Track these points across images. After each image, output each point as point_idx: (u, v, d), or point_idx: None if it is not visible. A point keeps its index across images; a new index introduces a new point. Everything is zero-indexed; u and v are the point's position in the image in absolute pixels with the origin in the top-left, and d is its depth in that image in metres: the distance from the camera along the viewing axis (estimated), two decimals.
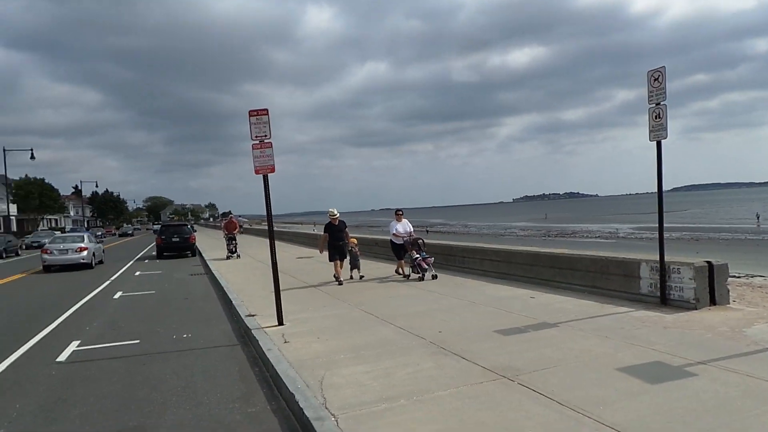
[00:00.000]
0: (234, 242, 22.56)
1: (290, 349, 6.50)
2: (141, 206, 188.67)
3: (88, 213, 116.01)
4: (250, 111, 7.47)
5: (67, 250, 21.87)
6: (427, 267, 11.81)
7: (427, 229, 60.57)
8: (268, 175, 7.62)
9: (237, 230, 23.59)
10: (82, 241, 22.85)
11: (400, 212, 12.90)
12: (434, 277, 11.79)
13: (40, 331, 9.18)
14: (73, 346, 7.96)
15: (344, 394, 4.82)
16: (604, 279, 8.80)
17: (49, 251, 21.95)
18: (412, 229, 12.81)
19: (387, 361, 5.82)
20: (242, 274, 15.92)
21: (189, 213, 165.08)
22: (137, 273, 19.24)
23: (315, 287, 12.06)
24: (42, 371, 6.68)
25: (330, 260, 12.63)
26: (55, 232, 56.18)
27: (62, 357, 7.35)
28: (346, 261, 12.82)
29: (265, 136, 7.50)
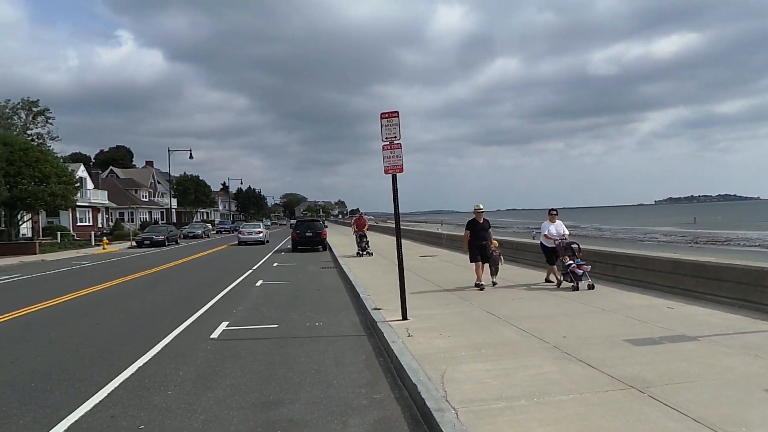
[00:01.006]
0: (365, 240, 22.86)
1: (413, 343, 6.76)
2: (278, 202, 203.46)
3: (233, 207, 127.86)
4: (381, 114, 7.87)
5: (251, 232, 37.81)
6: (581, 274, 10.54)
7: None
8: (397, 174, 7.96)
9: (366, 227, 23.98)
10: (260, 227, 39.59)
11: (555, 212, 11.72)
12: (590, 287, 10.42)
13: (197, 311, 10.46)
14: (224, 325, 8.98)
15: (464, 389, 4.95)
16: (759, 292, 7.92)
17: (242, 232, 38.11)
18: (566, 232, 11.67)
19: (508, 361, 5.84)
20: (369, 269, 16.64)
21: (320, 209, 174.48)
22: (275, 264, 20.93)
23: (437, 285, 12.27)
24: (199, 345, 7.65)
25: (471, 261, 11.66)
26: (207, 224, 62.71)
27: (215, 334, 8.34)
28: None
29: (395, 137, 7.85)
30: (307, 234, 28.63)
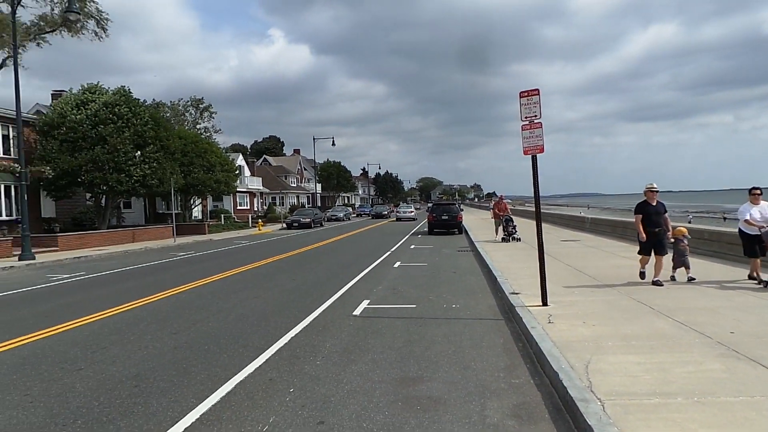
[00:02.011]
0: (512, 224, 21.16)
1: (554, 330, 6.52)
2: (414, 186, 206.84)
3: (372, 192, 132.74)
4: (520, 92, 7.60)
5: (406, 211, 52.41)
6: None
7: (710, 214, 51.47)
8: (537, 155, 7.67)
9: (507, 211, 22.33)
10: (411, 207, 55.12)
11: (758, 191, 9.27)
12: None
13: (340, 289, 11.10)
14: (365, 303, 9.43)
15: (611, 381, 4.67)
16: None
17: (398, 211, 54.67)
18: None
19: (662, 355, 5.38)
20: (506, 253, 16.29)
21: (456, 193, 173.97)
22: (412, 246, 21.39)
23: (579, 271, 11.64)
24: (343, 321, 8.14)
25: (640, 252, 9.81)
26: (348, 208, 65.94)
27: (357, 311, 8.81)
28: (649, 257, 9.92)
29: (535, 116, 7.55)
30: (443, 217, 28.78)
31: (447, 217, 28.73)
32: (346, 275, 13.16)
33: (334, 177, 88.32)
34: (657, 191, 9.70)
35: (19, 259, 18.31)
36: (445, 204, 32.15)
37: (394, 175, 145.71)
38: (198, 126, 53.05)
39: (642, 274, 9.91)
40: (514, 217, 21.50)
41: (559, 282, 10.04)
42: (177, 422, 4.40)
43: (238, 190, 48.17)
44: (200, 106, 53.61)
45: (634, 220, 9.98)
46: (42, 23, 42.73)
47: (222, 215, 43.25)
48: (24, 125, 20.54)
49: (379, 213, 64.72)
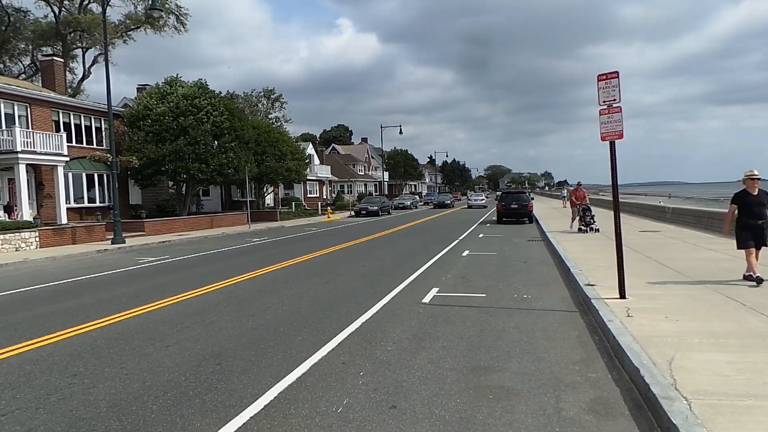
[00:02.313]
0: (590, 213, 19.73)
1: (633, 324, 6.24)
2: (482, 174, 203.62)
3: (438, 180, 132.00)
4: (599, 75, 7.27)
5: (477, 198, 55.77)
6: None
7: None
8: (615, 141, 7.32)
9: (586, 200, 20.79)
10: (482, 195, 60.03)
11: None
12: None
13: (409, 276, 11.16)
14: (434, 291, 9.43)
15: (698, 379, 4.42)
16: None
17: (469, 198, 61.29)
18: None
19: (758, 354, 5.03)
20: (579, 243, 15.73)
21: (525, 181, 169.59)
22: (481, 235, 21.12)
23: (660, 263, 11.04)
24: (413, 308, 8.19)
25: (739, 246, 8.73)
26: (415, 196, 65.96)
27: (426, 299, 8.83)
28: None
29: (614, 100, 7.20)
30: (513, 206, 28.17)
31: (517, 206, 28.09)
32: (414, 263, 13.21)
33: (401, 165, 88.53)
34: (758, 179, 8.57)
35: (112, 243, 19.76)
36: (515, 192, 31.44)
37: (461, 163, 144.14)
38: (270, 116, 54.74)
39: (749, 277, 8.48)
40: (581, 207, 20.25)
41: (637, 274, 9.58)
42: (257, 399, 4.62)
43: (308, 178, 49.39)
44: (271, 96, 55.26)
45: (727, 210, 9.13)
46: (128, 21, 45.57)
47: (293, 203, 44.53)
48: (114, 118, 22.03)
49: (442, 202, 59.81)
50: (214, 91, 31.14)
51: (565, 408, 4.30)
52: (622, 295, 7.60)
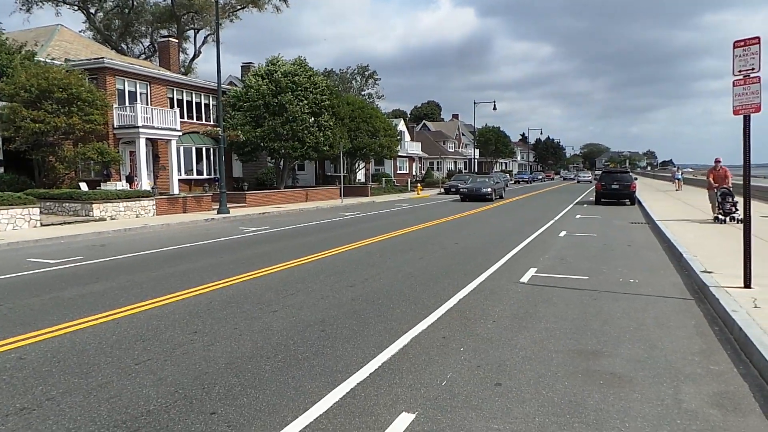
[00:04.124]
0: (731, 199, 15.79)
1: (762, 315, 5.70)
2: (578, 152, 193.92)
3: (531, 158, 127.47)
4: (735, 42, 6.56)
5: (584, 176, 72.00)
6: None
7: None
8: (750, 116, 6.61)
9: (726, 182, 16.58)
10: (589, 173, 76.30)
11: None
12: None
13: (505, 255, 10.94)
14: (532, 271, 9.18)
15: None
16: None
17: (578, 175, 75.64)
18: None
19: None
20: (690, 228, 14.59)
21: (626, 160, 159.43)
22: (578, 216, 20.20)
23: None
24: (510, 287, 8.03)
25: None
26: (506, 174, 64.37)
27: (524, 279, 8.61)
28: None
29: (752, 69, 6.47)
30: (613, 186, 26.61)
31: (618, 186, 26.50)
32: (509, 242, 12.92)
33: (493, 142, 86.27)
34: None
35: (218, 213, 21.10)
36: (616, 171, 29.65)
37: (555, 140, 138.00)
38: (363, 93, 55.37)
39: None
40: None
41: (763, 264, 8.72)
42: (362, 367, 4.76)
43: (398, 154, 49.61)
44: (365, 73, 55.77)
45: None
46: (234, 1, 47.72)
47: (383, 179, 45.03)
48: (222, 95, 23.29)
49: (476, 191, 30.57)
50: (312, 68, 31.91)
51: (685, 400, 4.04)
52: (747, 284, 6.96)
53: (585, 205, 26.03)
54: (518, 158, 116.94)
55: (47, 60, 22.91)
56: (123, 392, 4.23)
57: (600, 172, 39.28)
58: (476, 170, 67.45)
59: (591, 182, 57.34)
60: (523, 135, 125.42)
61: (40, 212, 16.36)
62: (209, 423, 3.74)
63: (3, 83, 19.63)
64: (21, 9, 44.56)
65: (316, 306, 6.93)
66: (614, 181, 26.96)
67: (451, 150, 78.56)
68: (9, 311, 6.71)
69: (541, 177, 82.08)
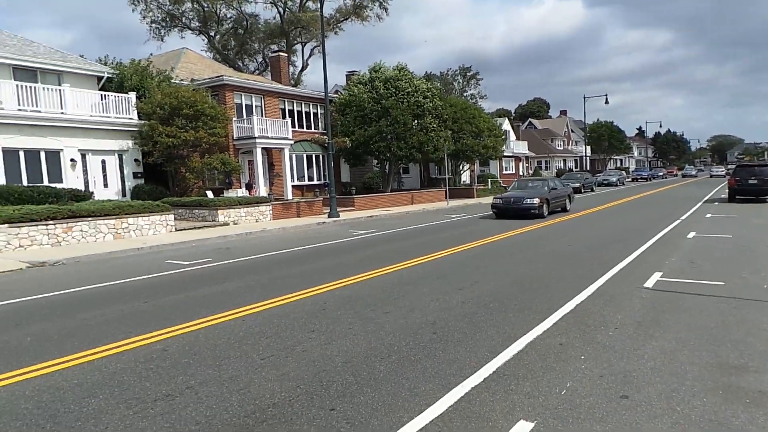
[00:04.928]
0: None
1: None
2: (704, 146, 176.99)
3: (649, 153, 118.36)
4: None
5: (716, 171, 72.93)
6: None
7: None
8: None
9: None
10: (722, 168, 72.45)
11: None
12: None
13: (625, 258, 10.24)
14: (657, 276, 8.50)
15: None
16: None
17: (711, 170, 74.20)
18: None
19: None
20: None
21: (764, 153, 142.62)
22: (708, 215, 18.40)
23: None
24: (633, 292, 7.50)
25: None
26: (621, 172, 60.42)
27: (648, 284, 8.00)
28: None
29: None
30: (751, 181, 23.91)
31: (756, 182, 23.76)
32: (629, 243, 12.08)
33: (605, 138, 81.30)
34: None
35: (328, 217, 21.99)
36: (753, 165, 26.62)
37: (677, 133, 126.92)
38: (465, 93, 54.85)
39: None
40: None
41: None
42: (476, 371, 4.70)
43: (504, 154, 48.46)
44: (467, 74, 55.20)
45: None
46: (337, 14, 49.66)
47: (489, 180, 44.21)
48: (329, 104, 24.29)
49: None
50: (413, 73, 32.23)
51: None
52: None
53: (716, 203, 23.66)
54: (635, 154, 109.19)
55: (177, 81, 25.30)
56: (251, 385, 4.54)
57: (733, 166, 35.46)
58: (587, 168, 63.92)
59: (724, 177, 53.70)
60: (639, 129, 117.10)
61: (174, 218, 18.07)
62: (329, 419, 3.89)
63: (143, 103, 21.99)
64: (154, 38, 50.08)
65: (427, 308, 6.95)
66: (751, 175, 24.23)
67: (559, 148, 75.28)
68: (153, 307, 7.48)
69: (662, 174, 76.13)
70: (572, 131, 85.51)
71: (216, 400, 4.24)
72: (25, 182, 18.51)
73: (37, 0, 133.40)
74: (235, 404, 4.17)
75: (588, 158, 72.02)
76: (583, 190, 38.98)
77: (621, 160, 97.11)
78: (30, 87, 19.29)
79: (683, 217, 17.88)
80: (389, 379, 4.61)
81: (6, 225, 13.21)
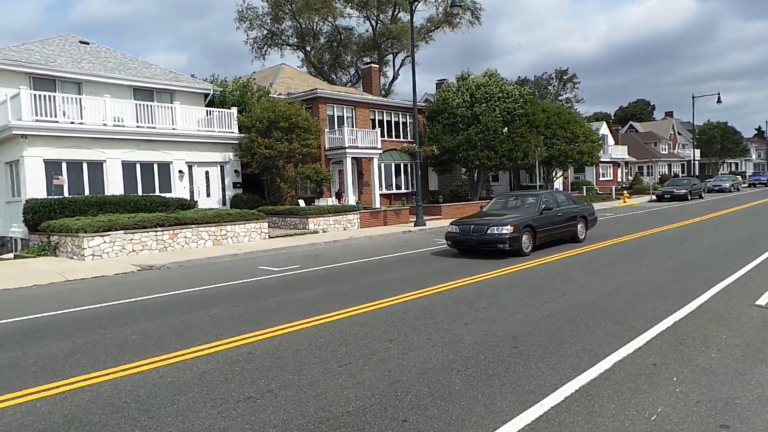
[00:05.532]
0: None
1: None
2: None
3: None
4: None
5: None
6: None
7: None
8: None
9: None
10: None
11: None
12: None
13: (733, 273, 9.32)
14: None
15: None
16: None
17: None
18: None
19: None
20: None
21: None
22: None
23: None
24: (742, 310, 6.80)
25: None
26: (736, 177, 55.21)
27: (760, 301, 7.23)
28: None
29: None
30: None
31: None
32: (739, 257, 10.99)
33: (718, 140, 74.65)
34: None
35: (414, 225, 22.06)
36: None
37: None
38: (560, 97, 52.86)
39: None
40: None
41: None
42: (557, 389, 4.48)
43: (601, 160, 46.01)
44: (564, 77, 53.19)
45: None
46: (428, 24, 49.95)
47: (584, 187, 42.20)
48: (418, 113, 24.45)
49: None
50: (504, 78, 31.59)
51: None
52: None
53: None
54: (753, 157, 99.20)
55: (275, 95, 26.69)
56: (327, 391, 4.65)
57: None
58: (695, 173, 58.99)
59: None
60: (758, 129, 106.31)
61: (268, 226, 19.00)
62: (401, 431, 3.88)
63: (243, 117, 23.41)
64: (256, 56, 53.44)
65: (508, 321, 6.75)
66: None
67: (664, 152, 70.20)
68: (243, 311, 7.90)
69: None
70: (679, 134, 79.44)
71: (293, 405, 4.39)
72: (140, 192, 20.34)
73: (157, 25, 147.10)
74: (311, 410, 4.28)
75: (697, 162, 66.49)
76: (690, 197, 36.07)
77: (736, 164, 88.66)
78: (147, 105, 21.23)
79: None
80: (465, 393, 4.52)
81: (122, 231, 14.59)
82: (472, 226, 13.10)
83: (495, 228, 12.52)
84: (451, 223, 14.00)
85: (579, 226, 14.87)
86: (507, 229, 12.38)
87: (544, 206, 13.88)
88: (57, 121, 18.46)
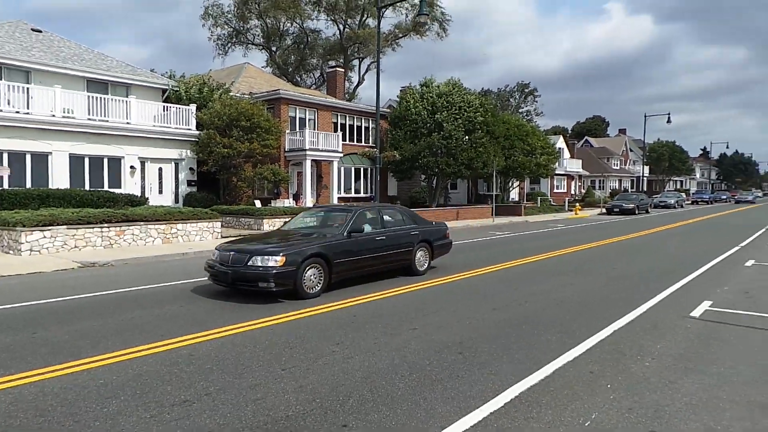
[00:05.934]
0: None
1: None
2: None
3: (713, 175, 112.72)
4: None
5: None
6: None
7: None
8: None
9: None
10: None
11: None
12: None
13: (672, 285, 9.71)
14: (705, 305, 8.01)
15: None
16: None
17: (751, 199, 59.97)
18: None
19: None
20: None
21: None
22: None
23: None
24: (677, 322, 7.08)
25: None
26: (681, 194, 57.84)
27: (695, 313, 7.55)
28: None
29: None
30: None
31: None
32: (679, 270, 11.47)
33: (666, 158, 78.03)
34: None
35: None
36: None
37: (746, 155, 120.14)
38: (520, 110, 54.09)
39: None
40: None
41: None
42: (497, 395, 4.53)
43: (556, 172, 47.31)
44: (525, 91, 54.48)
45: None
46: (396, 30, 50.22)
47: (538, 198, 43.25)
48: (381, 118, 24.50)
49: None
50: (467, 88, 32.07)
51: None
52: None
53: None
54: (697, 176, 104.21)
55: (237, 94, 26.23)
56: (268, 395, 4.55)
57: None
58: (644, 189, 61.46)
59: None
60: (704, 150, 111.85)
61: (221, 226, 18.59)
62: None
63: (202, 113, 22.89)
64: (219, 54, 52.40)
65: (456, 327, 6.80)
66: None
67: (616, 167, 72.82)
68: (188, 312, 7.67)
69: (725, 197, 71.86)
70: (630, 150, 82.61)
71: (231, 409, 4.27)
72: (87, 187, 19.56)
73: (121, 17, 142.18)
74: (249, 414, 4.18)
75: (646, 178, 69.27)
76: (638, 212, 37.51)
77: (681, 181, 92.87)
78: (100, 98, 20.47)
79: (743, 244, 16.89)
80: (406, 398, 4.51)
81: (65, 226, 13.96)
82: (232, 253, 8.75)
83: (258, 258, 8.39)
84: (216, 247, 9.59)
85: (418, 254, 10.98)
86: (274, 261, 8.30)
87: (351, 227, 9.68)
88: (1, 110, 17.58)
